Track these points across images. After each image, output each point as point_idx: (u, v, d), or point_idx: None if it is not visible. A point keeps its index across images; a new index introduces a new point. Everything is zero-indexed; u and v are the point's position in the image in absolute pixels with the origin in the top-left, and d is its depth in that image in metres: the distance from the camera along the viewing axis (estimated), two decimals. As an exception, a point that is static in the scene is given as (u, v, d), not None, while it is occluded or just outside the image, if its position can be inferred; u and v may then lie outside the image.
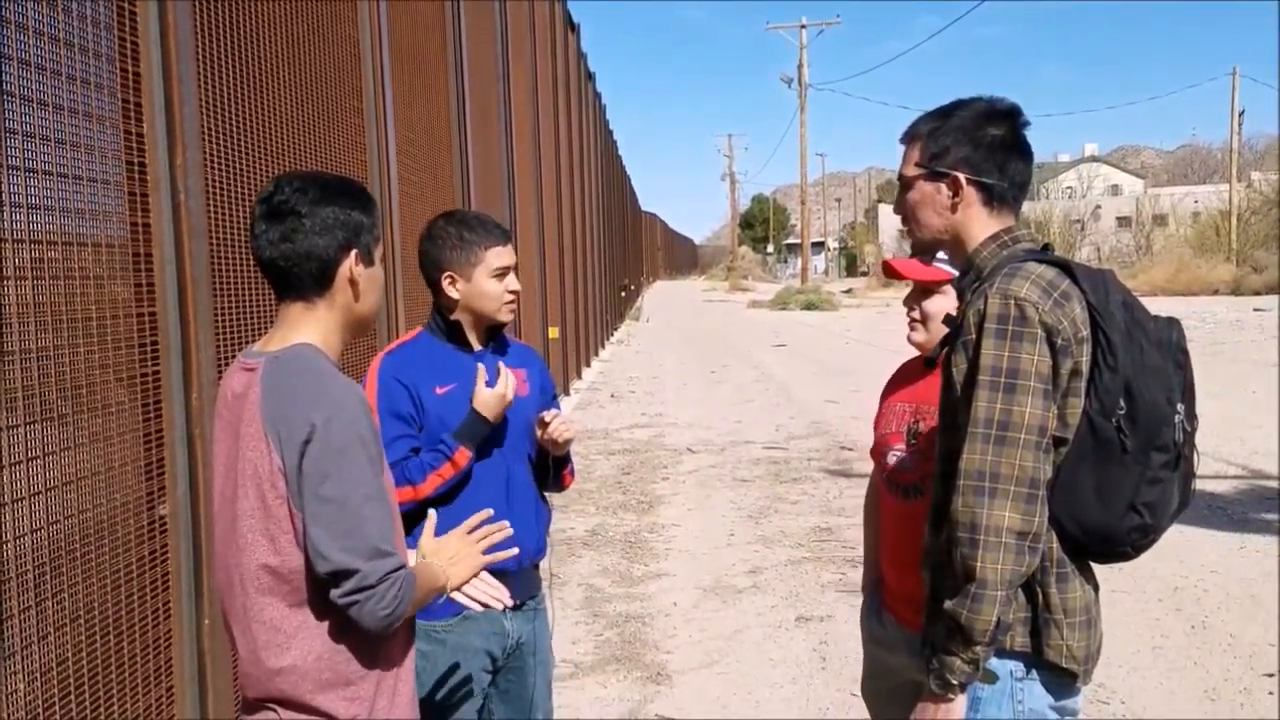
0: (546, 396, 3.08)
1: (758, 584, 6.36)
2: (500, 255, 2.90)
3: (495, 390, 2.80)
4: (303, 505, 1.91)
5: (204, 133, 3.30)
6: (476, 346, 2.95)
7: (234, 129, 3.56)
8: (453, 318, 2.92)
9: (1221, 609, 5.73)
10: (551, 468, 3.01)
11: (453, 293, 2.89)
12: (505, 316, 2.94)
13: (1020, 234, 2.19)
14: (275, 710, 1.99)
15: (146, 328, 3.01)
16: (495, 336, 3.01)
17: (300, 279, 2.03)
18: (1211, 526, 7.25)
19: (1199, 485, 7.62)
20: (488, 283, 2.88)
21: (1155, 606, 5.77)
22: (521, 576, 2.93)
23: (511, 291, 2.92)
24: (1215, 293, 32.53)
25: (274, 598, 1.96)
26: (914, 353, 2.88)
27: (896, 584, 2.75)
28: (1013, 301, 2.00)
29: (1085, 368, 2.01)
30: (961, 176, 2.16)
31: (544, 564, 3.06)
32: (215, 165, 3.40)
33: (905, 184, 2.26)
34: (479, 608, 2.30)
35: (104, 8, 2.87)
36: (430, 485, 2.79)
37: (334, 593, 1.90)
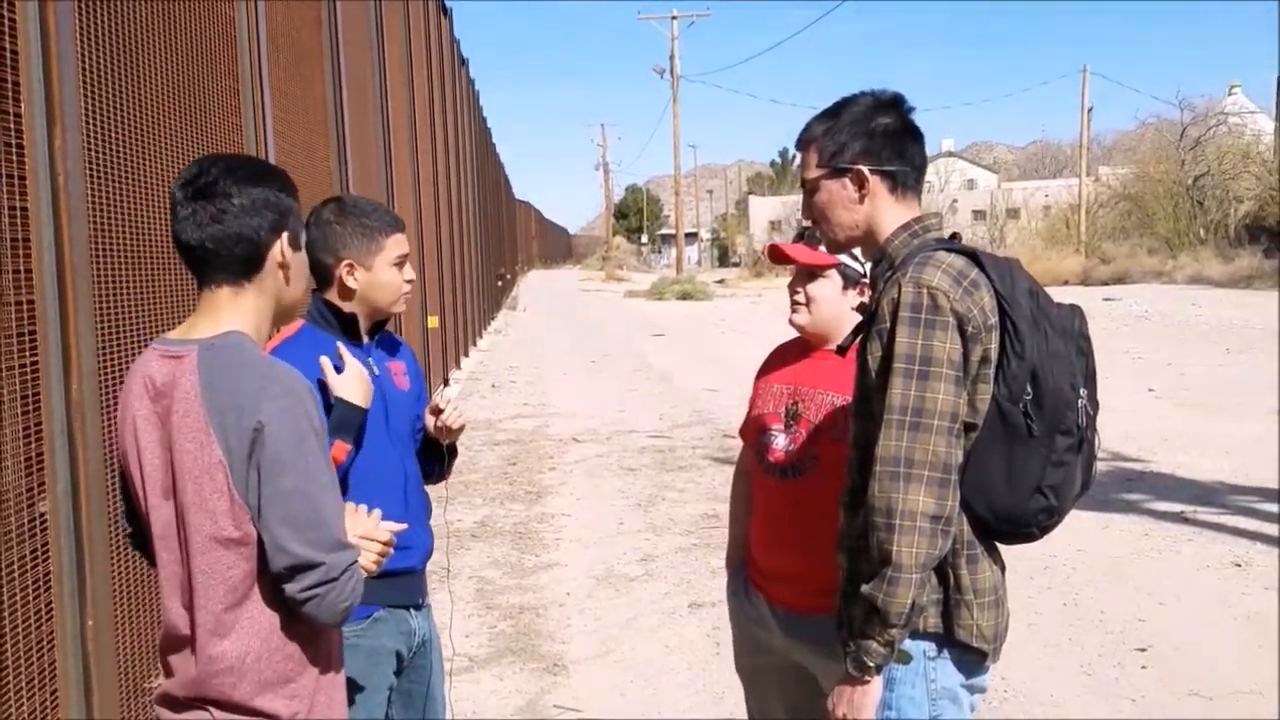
0: (422, 386, 3.02)
1: (650, 572, 6.40)
2: (400, 244, 2.79)
3: (349, 371, 2.62)
4: (255, 498, 1.84)
5: (85, 115, 3.15)
6: (365, 340, 2.83)
7: (113, 110, 3.41)
8: (348, 309, 2.77)
9: (1090, 586, 5.98)
10: (447, 456, 2.94)
11: (350, 282, 2.74)
12: (400, 307, 2.85)
13: (930, 223, 2.23)
14: (209, 710, 1.92)
15: (25, 316, 2.86)
16: (380, 329, 2.90)
17: (229, 262, 1.95)
18: (1076, 507, 7.50)
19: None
20: (388, 272, 2.76)
21: (1027, 585, 5.98)
22: (424, 574, 2.90)
23: (408, 281, 2.82)
24: (1065, 283, 33.83)
25: (212, 595, 1.89)
26: (790, 335, 2.94)
27: (769, 564, 2.81)
28: (925, 290, 2.04)
29: (994, 355, 2.07)
30: (864, 169, 2.20)
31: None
32: (96, 148, 3.24)
33: (810, 188, 2.28)
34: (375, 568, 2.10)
35: (-22, -19, 2.71)
36: None
37: (291, 587, 1.84)
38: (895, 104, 2.25)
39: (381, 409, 2.78)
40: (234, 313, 1.97)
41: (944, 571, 2.12)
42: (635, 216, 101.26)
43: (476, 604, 5.86)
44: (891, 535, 1.99)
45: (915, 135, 2.25)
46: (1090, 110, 49.95)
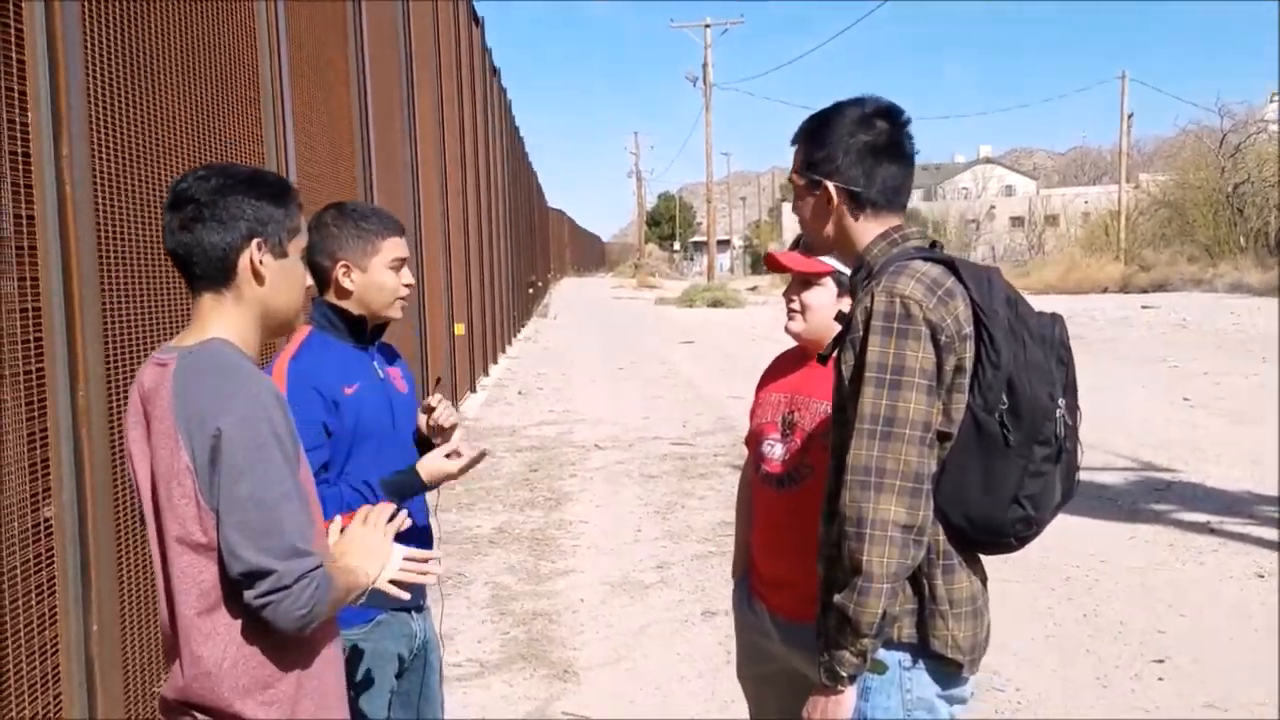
0: (413, 390, 3.05)
1: (665, 579, 6.39)
2: (397, 246, 2.84)
3: (448, 467, 2.73)
4: (216, 504, 1.87)
5: (93, 123, 3.20)
6: (367, 344, 2.89)
7: (124, 120, 3.45)
8: (355, 313, 2.83)
9: (1112, 597, 5.92)
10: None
11: (347, 283, 2.80)
12: (396, 312, 2.88)
13: (910, 231, 2.22)
14: (194, 716, 1.95)
15: (30, 323, 2.90)
16: (379, 335, 2.95)
17: (202, 269, 1.99)
18: (1101, 517, 7.48)
19: (1089, 477, 7.85)
20: (384, 274, 2.81)
21: (1047, 595, 5.94)
22: None
23: (406, 285, 2.86)
24: (1104, 290, 33.59)
25: (187, 600, 1.92)
26: (790, 343, 2.95)
27: (768, 571, 2.82)
28: (898, 300, 2.03)
29: (969, 364, 2.05)
30: (830, 185, 2.20)
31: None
32: (104, 157, 3.29)
33: (794, 188, 2.30)
34: (405, 595, 2.23)
35: (-16, -8, 2.76)
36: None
37: (247, 594, 1.86)
38: (885, 117, 2.21)
39: (389, 413, 2.82)
40: (218, 320, 2.00)
41: (919, 581, 2.10)
42: (668, 224, 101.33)
43: (490, 610, 5.87)
44: (862, 545, 1.98)
45: (895, 153, 2.21)
46: (1130, 117, 49.55)
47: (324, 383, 2.72)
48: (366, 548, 2.14)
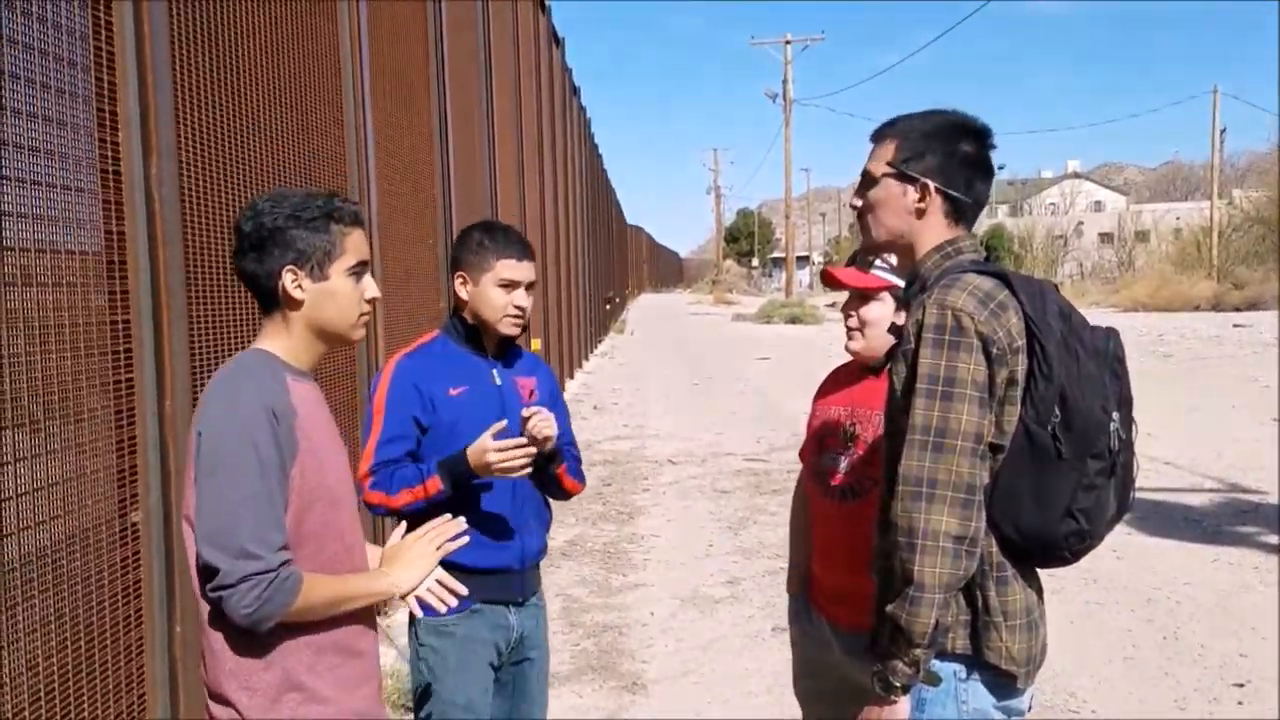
0: (555, 402, 3.15)
1: (735, 594, 6.39)
2: (510, 268, 2.98)
3: (489, 450, 2.80)
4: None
5: (180, 141, 3.33)
6: (490, 353, 3.05)
7: (212, 138, 3.59)
8: (470, 321, 3.02)
9: (1193, 620, 5.78)
10: (543, 465, 3.03)
11: (463, 293, 3.01)
12: (506, 329, 3.02)
13: (964, 244, 2.21)
14: (208, 695, 2.11)
15: (120, 335, 3.03)
16: (508, 347, 3.10)
17: (253, 292, 2.16)
18: (1186, 539, 7.31)
19: (1175, 498, 7.64)
20: (493, 290, 2.97)
21: (1128, 617, 5.82)
22: (525, 575, 3.06)
23: (517, 306, 2.99)
24: (1196, 308, 32.72)
25: (198, 582, 2.06)
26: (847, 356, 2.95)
27: (828, 583, 2.82)
28: (949, 312, 2.04)
29: (1021, 377, 2.05)
30: (931, 185, 2.19)
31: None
32: (192, 174, 3.42)
33: (870, 180, 2.26)
34: (420, 612, 2.35)
35: (79, 17, 2.90)
36: (401, 500, 2.88)
37: (205, 586, 1.99)
38: (978, 134, 2.22)
39: (499, 416, 2.92)
40: (272, 335, 2.17)
41: (972, 593, 2.10)
42: (746, 240, 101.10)
43: (561, 621, 5.93)
44: (914, 555, 1.98)
45: (987, 172, 2.23)
46: (1223, 132, 48.29)
47: (425, 381, 2.94)
48: (410, 559, 2.28)
